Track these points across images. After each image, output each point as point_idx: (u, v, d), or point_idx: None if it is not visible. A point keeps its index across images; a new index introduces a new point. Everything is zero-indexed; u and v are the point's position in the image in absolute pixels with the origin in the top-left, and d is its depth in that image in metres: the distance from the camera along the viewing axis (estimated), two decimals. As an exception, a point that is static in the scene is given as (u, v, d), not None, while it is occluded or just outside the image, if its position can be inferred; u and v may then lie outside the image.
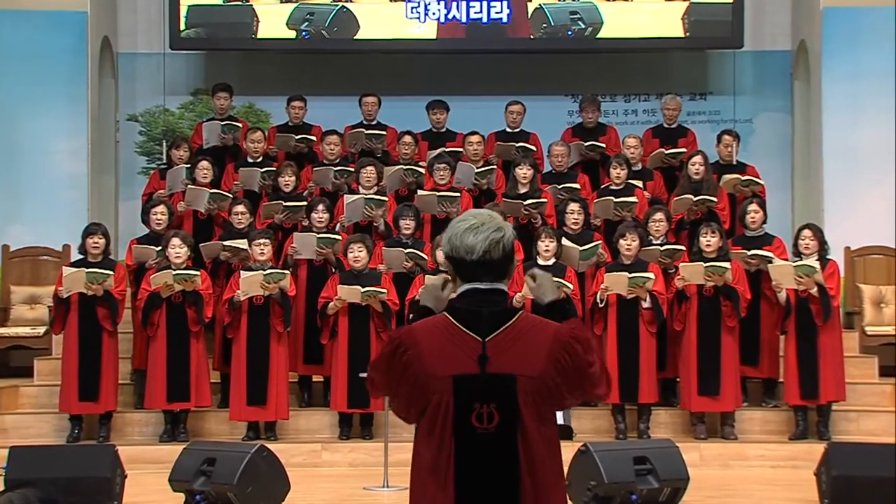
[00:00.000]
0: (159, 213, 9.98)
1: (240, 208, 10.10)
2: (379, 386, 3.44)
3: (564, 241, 9.76)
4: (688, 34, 12.18)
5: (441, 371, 3.28)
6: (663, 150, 11.22)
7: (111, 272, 9.36)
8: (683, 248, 9.89)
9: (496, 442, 3.25)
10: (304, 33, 12.26)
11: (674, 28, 12.22)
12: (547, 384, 3.29)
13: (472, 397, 3.26)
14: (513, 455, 3.25)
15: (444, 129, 11.63)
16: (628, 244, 9.52)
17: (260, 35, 12.26)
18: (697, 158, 10.55)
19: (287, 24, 12.23)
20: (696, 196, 10.30)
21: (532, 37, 12.28)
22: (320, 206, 10.01)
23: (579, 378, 3.33)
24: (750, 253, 9.71)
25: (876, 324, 11.00)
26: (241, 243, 9.74)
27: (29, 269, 11.39)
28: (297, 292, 9.74)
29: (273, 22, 12.24)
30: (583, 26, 12.22)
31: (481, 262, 3.31)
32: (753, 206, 10.01)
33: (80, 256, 9.67)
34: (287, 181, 10.52)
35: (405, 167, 10.82)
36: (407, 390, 3.34)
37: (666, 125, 11.73)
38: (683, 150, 11.21)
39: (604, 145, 11.30)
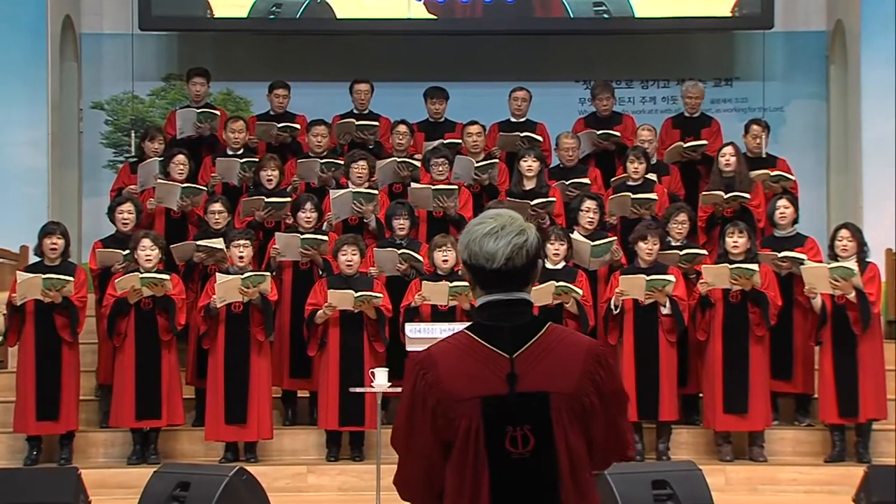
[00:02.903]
0: (126, 212, 9.93)
1: (217, 206, 10.06)
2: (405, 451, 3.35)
3: (574, 236, 9.73)
4: (736, 14, 12.13)
5: (466, 393, 3.25)
6: (682, 143, 11.19)
7: (70, 277, 9.31)
8: (705, 252, 9.86)
9: (534, 467, 3.23)
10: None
11: (702, 7, 12.17)
12: (582, 402, 3.26)
13: (504, 420, 3.23)
14: (553, 480, 3.23)
15: (442, 120, 11.60)
16: (649, 248, 9.46)
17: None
18: (728, 149, 10.52)
19: (248, 17, 12.16)
20: (728, 192, 10.26)
21: (540, 16, 12.27)
22: (308, 205, 9.98)
23: (616, 404, 3.31)
24: (780, 254, 9.68)
25: (921, 333, 10.98)
26: (217, 242, 9.71)
27: (-18, 274, 11.37)
28: (282, 298, 9.72)
29: (230, 15, 12.18)
30: (607, 18, 12.18)
31: (503, 270, 3.28)
32: (783, 202, 9.97)
33: (37, 259, 9.63)
34: (270, 175, 10.49)
35: (399, 160, 10.79)
36: (429, 422, 3.26)
37: (687, 114, 11.70)
38: (704, 141, 11.20)
39: (618, 134, 11.28)
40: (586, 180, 10.67)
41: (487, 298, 3.32)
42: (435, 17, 12.26)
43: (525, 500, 3.23)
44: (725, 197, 10.25)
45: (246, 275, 9.26)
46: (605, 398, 3.29)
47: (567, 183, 10.62)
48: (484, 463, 3.22)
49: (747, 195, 10.29)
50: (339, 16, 12.20)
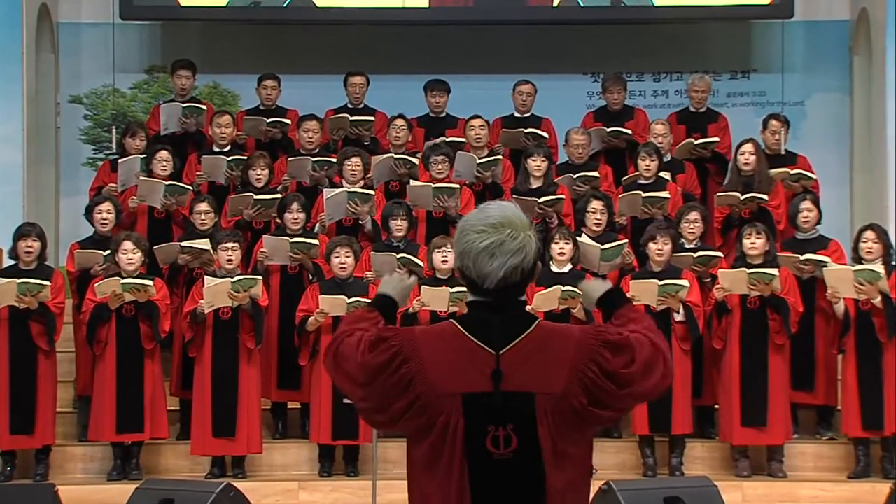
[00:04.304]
0: (104, 212, 9.92)
1: (203, 206, 10.05)
2: (355, 394, 3.40)
3: (582, 239, 9.71)
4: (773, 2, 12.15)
5: (449, 388, 3.28)
6: (692, 139, 11.19)
7: (47, 282, 9.27)
8: (720, 254, 9.84)
9: (515, 470, 3.26)
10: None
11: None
12: (570, 402, 3.29)
13: (486, 419, 3.27)
14: (535, 484, 3.26)
15: (443, 114, 11.59)
16: (659, 249, 9.46)
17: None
18: (747, 147, 10.51)
19: (227, 6, 12.15)
20: (746, 191, 10.24)
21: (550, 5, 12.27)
22: (294, 205, 9.96)
23: (615, 388, 3.31)
24: (804, 257, 9.66)
25: (950, 341, 10.95)
26: (203, 243, 9.69)
27: (-46, 278, 11.33)
28: (270, 304, 9.69)
29: (204, 4, 12.21)
30: (625, 6, 12.20)
31: (496, 289, 3.34)
32: (806, 204, 9.96)
33: (12, 262, 9.61)
34: (259, 174, 10.47)
35: (396, 156, 10.77)
36: (401, 407, 3.31)
37: (693, 109, 11.70)
38: (716, 138, 11.19)
39: (629, 131, 11.26)
40: (595, 174, 10.65)
41: (480, 298, 3.38)
42: (428, 7, 12.24)
43: (508, 502, 3.26)
44: (742, 198, 10.22)
45: (236, 278, 9.24)
46: (596, 393, 3.28)
47: (575, 177, 10.60)
48: (463, 464, 3.26)
49: (765, 196, 10.26)
50: (319, 4, 12.19)
